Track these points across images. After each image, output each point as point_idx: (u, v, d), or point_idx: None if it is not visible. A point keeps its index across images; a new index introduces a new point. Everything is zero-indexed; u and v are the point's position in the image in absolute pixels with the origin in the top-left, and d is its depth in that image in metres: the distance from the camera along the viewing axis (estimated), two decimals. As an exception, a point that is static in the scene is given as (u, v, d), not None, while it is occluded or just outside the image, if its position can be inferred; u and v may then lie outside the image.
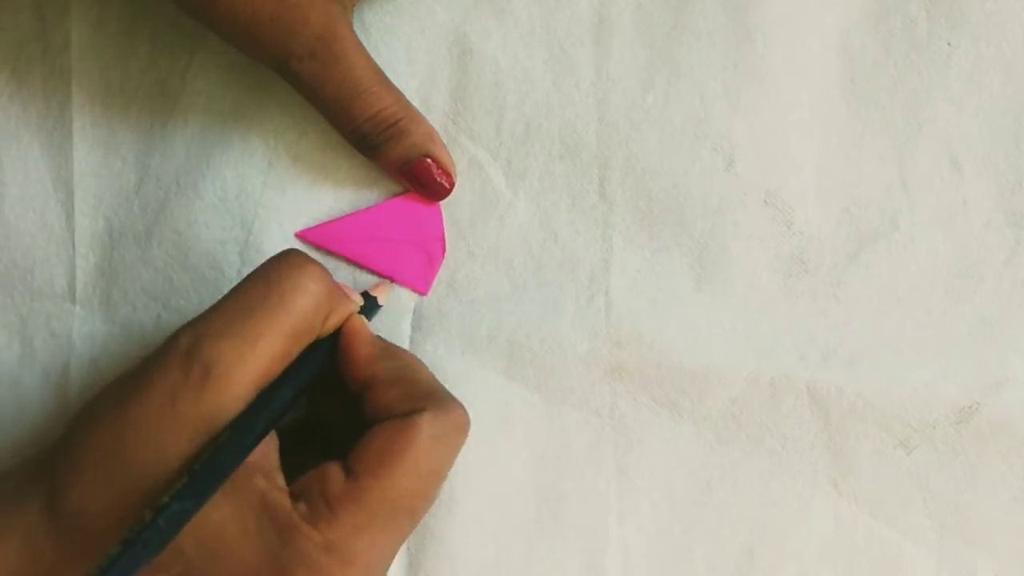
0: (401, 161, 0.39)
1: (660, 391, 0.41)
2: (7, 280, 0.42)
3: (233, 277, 0.41)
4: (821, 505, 0.41)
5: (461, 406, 0.35)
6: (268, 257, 0.35)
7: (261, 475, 0.32)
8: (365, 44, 0.39)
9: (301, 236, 0.41)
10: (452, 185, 0.40)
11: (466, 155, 0.41)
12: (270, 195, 0.41)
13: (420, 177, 0.40)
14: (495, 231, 0.41)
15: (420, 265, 0.41)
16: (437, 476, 0.34)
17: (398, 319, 0.41)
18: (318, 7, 0.36)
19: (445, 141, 0.41)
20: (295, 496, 0.32)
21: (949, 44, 0.41)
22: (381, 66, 0.39)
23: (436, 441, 0.33)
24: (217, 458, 0.30)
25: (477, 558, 0.41)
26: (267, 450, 0.33)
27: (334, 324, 0.35)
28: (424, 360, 0.40)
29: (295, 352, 0.33)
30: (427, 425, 0.33)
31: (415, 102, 0.41)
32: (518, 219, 0.41)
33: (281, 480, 0.32)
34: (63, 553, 0.31)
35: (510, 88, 0.41)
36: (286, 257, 0.34)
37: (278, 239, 0.41)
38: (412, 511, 0.33)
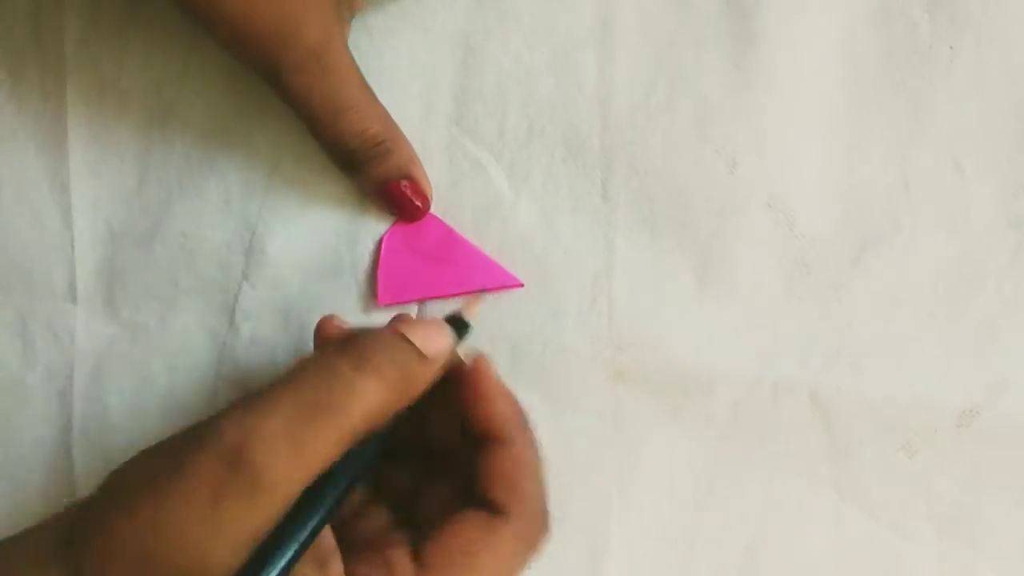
0: (382, 181, 0.39)
1: (662, 394, 0.41)
2: (7, 280, 0.41)
3: (238, 278, 0.41)
4: (822, 508, 0.41)
5: (548, 522, 0.32)
6: (328, 346, 0.32)
7: (314, 564, 0.29)
8: (368, 46, 0.39)
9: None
10: (427, 208, 0.40)
11: (469, 157, 0.41)
12: (274, 196, 0.41)
13: (398, 198, 0.40)
14: (498, 233, 0.41)
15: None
16: None
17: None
18: (314, 20, 0.36)
19: (448, 143, 0.41)
20: None
21: (951, 47, 0.41)
22: (383, 68, 0.39)
23: (515, 555, 0.31)
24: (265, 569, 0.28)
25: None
26: (323, 531, 0.30)
27: (422, 386, 0.32)
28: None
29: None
30: (513, 535, 0.31)
31: (417, 105, 0.41)
32: (521, 221, 0.41)
33: (338, 567, 0.30)
34: None
35: (513, 90, 0.41)
36: (345, 354, 0.30)
37: (282, 240, 0.41)
38: None
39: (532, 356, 0.41)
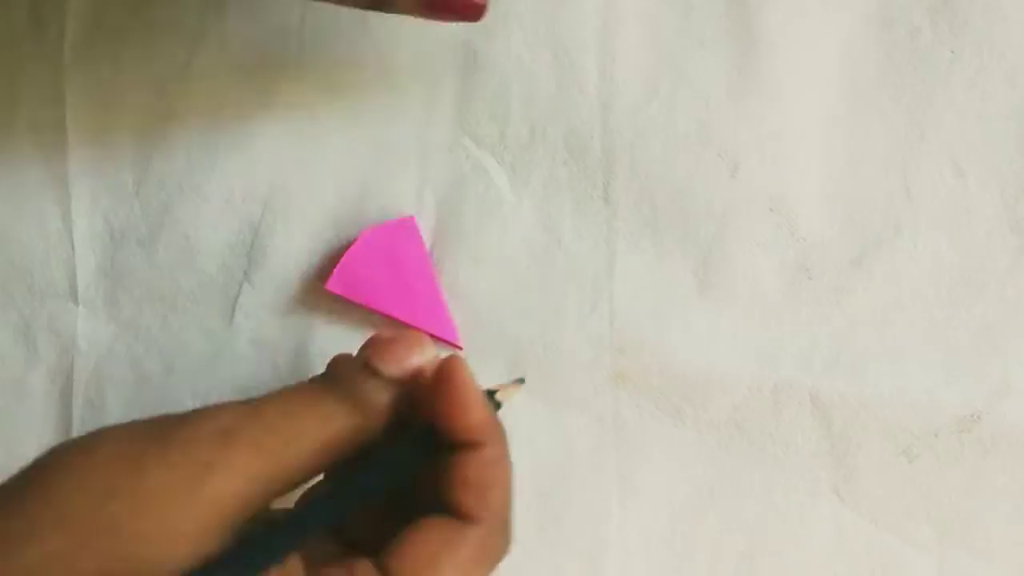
0: None
1: (663, 398, 0.41)
2: (8, 280, 0.41)
3: (240, 279, 0.41)
4: (823, 513, 0.41)
5: (511, 535, 0.32)
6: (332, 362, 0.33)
7: None
8: (370, 48, 0.39)
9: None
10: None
11: (470, 159, 0.41)
12: (275, 197, 0.41)
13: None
14: (499, 236, 0.41)
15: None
16: None
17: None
18: None
19: (449, 145, 0.41)
20: None
21: (952, 52, 0.41)
22: (385, 70, 0.38)
23: (478, 563, 0.30)
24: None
25: (480, 563, 0.40)
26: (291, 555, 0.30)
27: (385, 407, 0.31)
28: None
29: (339, 456, 0.30)
30: (477, 541, 0.30)
31: (419, 107, 0.41)
32: (522, 224, 0.41)
33: (299, 568, 0.29)
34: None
35: (514, 93, 0.41)
36: (313, 387, 0.31)
37: (284, 241, 0.41)
38: None
39: (533, 358, 0.41)
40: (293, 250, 0.41)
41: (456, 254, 0.41)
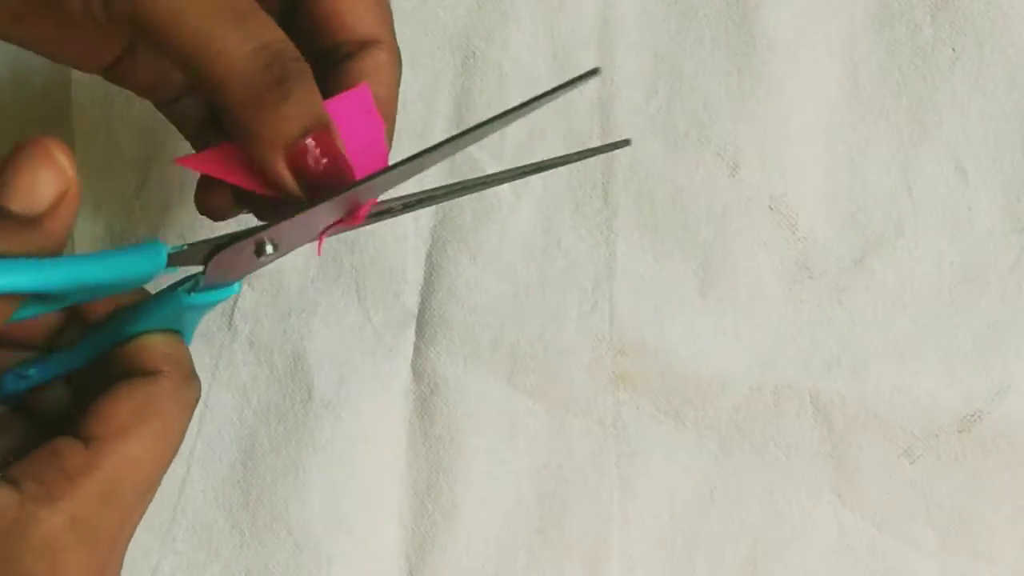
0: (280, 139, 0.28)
1: (663, 399, 0.41)
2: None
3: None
4: (824, 514, 0.41)
5: (199, 382, 0.32)
6: None
7: None
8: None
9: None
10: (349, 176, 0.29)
11: (469, 159, 0.41)
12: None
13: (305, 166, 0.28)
14: (498, 236, 0.41)
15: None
16: (176, 448, 0.30)
17: (401, 325, 0.41)
18: None
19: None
20: (19, 480, 0.28)
21: (954, 50, 0.41)
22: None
23: (180, 412, 0.30)
24: None
25: (479, 567, 0.41)
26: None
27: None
28: (427, 368, 0.41)
29: None
30: (175, 391, 0.30)
31: (418, 106, 0.41)
32: (521, 224, 0.41)
33: None
34: None
35: (514, 92, 0.41)
36: None
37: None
38: (152, 483, 0.30)
39: (532, 361, 0.41)
40: (291, 252, 0.41)
41: (456, 254, 0.41)
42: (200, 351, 0.41)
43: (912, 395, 0.41)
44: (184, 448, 0.32)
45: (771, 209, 0.41)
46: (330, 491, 0.41)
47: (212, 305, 0.31)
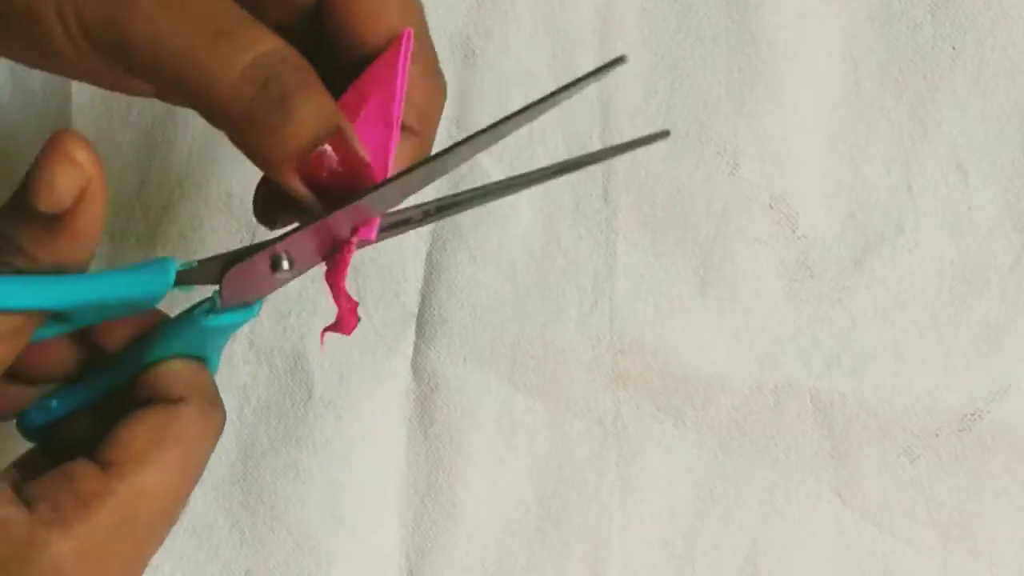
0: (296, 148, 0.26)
1: (663, 399, 0.41)
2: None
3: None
4: (824, 514, 0.41)
5: (223, 407, 0.31)
6: None
7: None
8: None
9: None
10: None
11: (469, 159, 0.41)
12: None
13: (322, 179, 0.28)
14: (497, 235, 0.41)
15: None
16: (196, 478, 0.30)
17: (401, 325, 0.41)
18: None
19: (448, 145, 0.41)
20: (32, 502, 0.27)
21: (954, 48, 0.41)
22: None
23: (201, 440, 0.30)
24: None
25: (479, 567, 0.41)
26: None
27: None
28: (427, 367, 0.40)
29: None
30: (196, 418, 0.29)
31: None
32: (521, 223, 0.41)
33: (6, 490, 0.27)
34: None
35: (513, 91, 0.41)
36: None
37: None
38: (170, 515, 0.29)
39: (532, 360, 0.41)
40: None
41: (456, 254, 0.41)
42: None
43: (912, 394, 0.41)
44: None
45: (771, 208, 0.41)
46: (330, 490, 0.41)
47: (234, 327, 0.30)
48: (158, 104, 0.41)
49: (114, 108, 0.41)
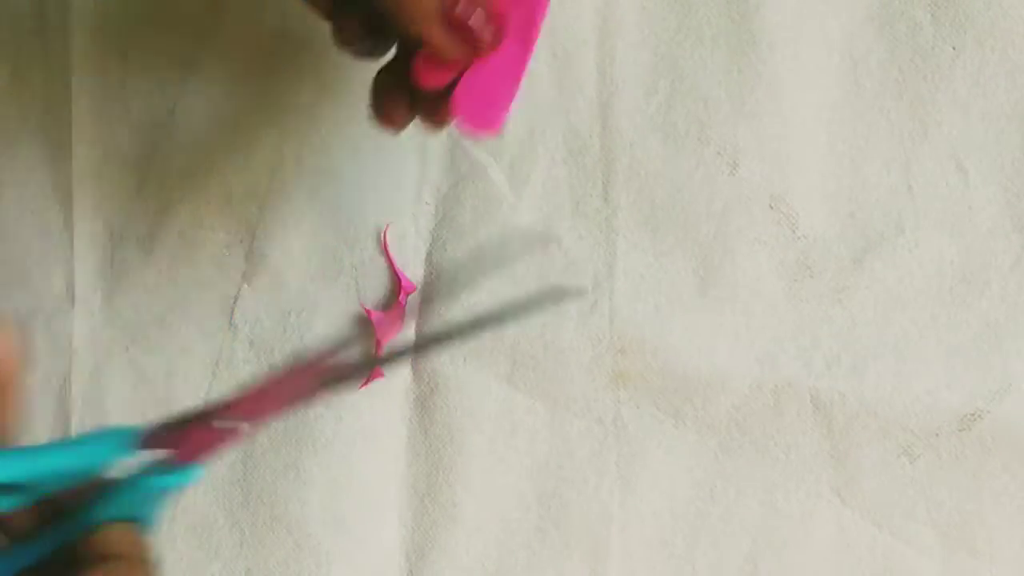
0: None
1: (663, 398, 0.41)
2: (6, 281, 0.42)
3: (238, 280, 0.41)
4: (824, 514, 0.41)
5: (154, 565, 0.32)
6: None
7: None
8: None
9: None
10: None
11: (469, 158, 0.41)
12: (274, 198, 0.41)
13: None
14: (497, 235, 0.41)
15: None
16: None
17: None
18: None
19: (448, 145, 0.41)
20: None
21: (954, 48, 0.41)
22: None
23: None
24: None
25: (479, 566, 0.41)
26: None
27: None
28: (427, 367, 0.41)
29: None
30: None
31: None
32: (521, 223, 0.41)
33: None
34: None
35: (513, 92, 0.41)
36: None
37: (281, 242, 0.41)
38: None
39: (532, 360, 0.41)
40: (292, 251, 0.41)
41: (456, 254, 0.41)
42: (200, 350, 0.41)
43: (912, 394, 0.41)
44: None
45: (771, 208, 0.41)
46: (330, 490, 0.41)
47: (177, 489, 0.31)
48: (158, 104, 0.41)
49: (114, 108, 0.41)
